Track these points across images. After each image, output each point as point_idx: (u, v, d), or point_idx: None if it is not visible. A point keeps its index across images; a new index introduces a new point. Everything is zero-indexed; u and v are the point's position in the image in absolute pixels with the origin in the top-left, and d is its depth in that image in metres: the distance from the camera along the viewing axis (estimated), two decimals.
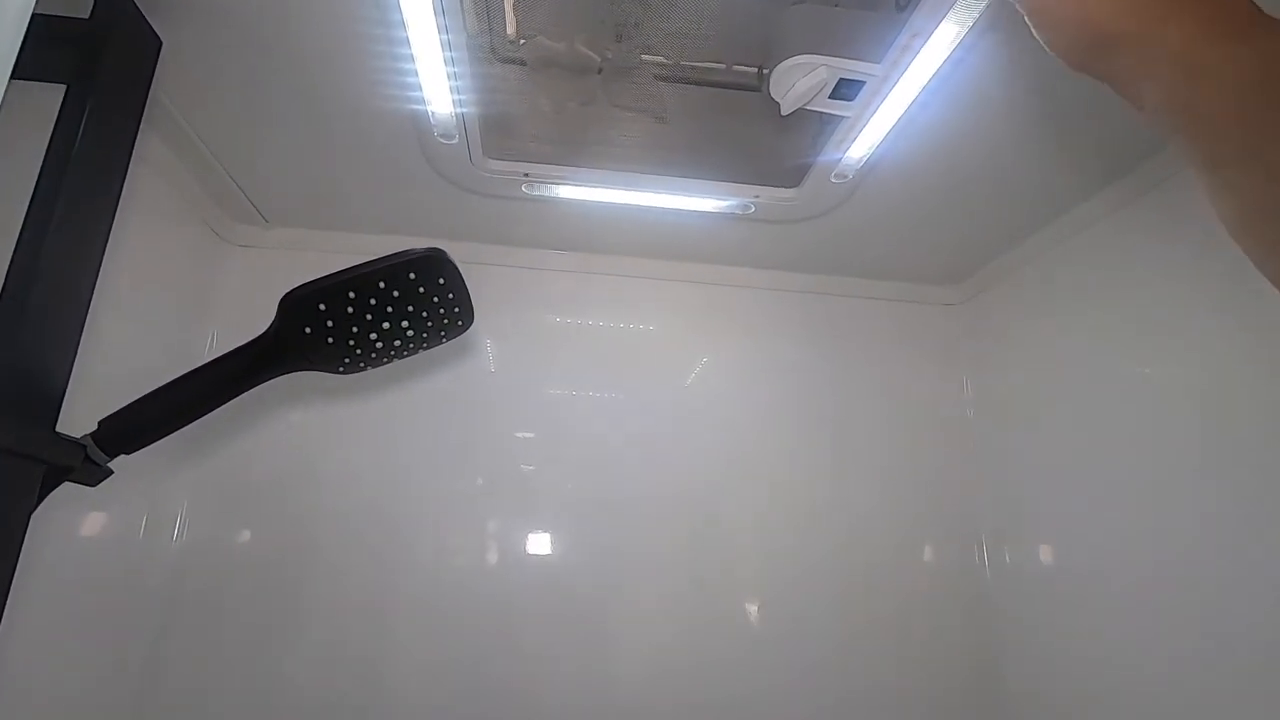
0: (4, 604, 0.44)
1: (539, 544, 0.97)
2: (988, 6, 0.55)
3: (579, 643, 0.93)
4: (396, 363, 0.65)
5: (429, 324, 0.61)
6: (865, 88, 0.66)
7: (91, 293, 0.53)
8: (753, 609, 0.98)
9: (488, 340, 1.04)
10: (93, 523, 0.78)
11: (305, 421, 0.97)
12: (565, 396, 1.04)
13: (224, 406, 0.59)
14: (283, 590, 0.91)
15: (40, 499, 0.49)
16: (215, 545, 0.92)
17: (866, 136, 0.73)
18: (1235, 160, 0.27)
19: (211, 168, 0.85)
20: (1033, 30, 0.33)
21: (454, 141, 0.75)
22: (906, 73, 0.63)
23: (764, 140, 0.83)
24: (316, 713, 0.87)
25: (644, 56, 0.73)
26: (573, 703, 0.91)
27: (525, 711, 0.90)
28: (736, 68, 0.79)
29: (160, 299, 0.87)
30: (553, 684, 0.91)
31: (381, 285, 0.55)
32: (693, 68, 0.77)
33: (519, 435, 1.01)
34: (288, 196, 0.93)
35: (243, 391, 0.58)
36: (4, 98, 0.38)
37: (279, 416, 0.97)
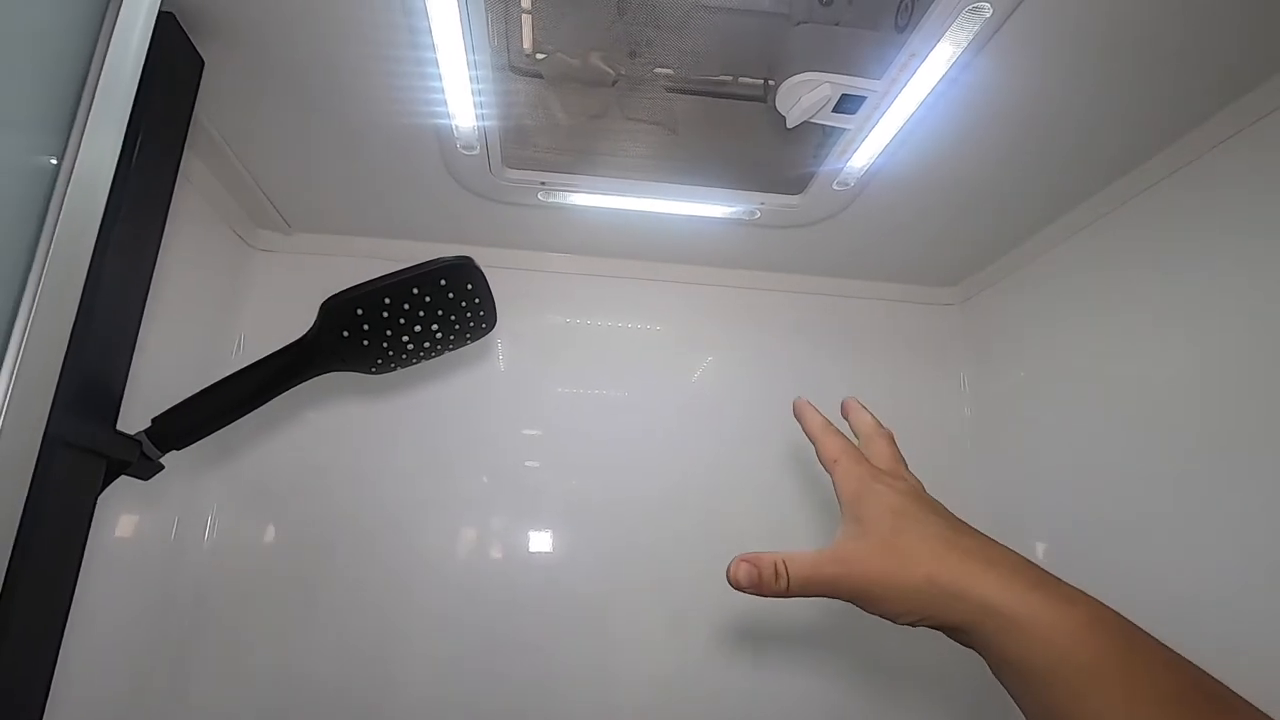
0: (75, 582, 0.48)
1: (543, 541, 1.00)
2: (980, 30, 0.59)
3: (583, 638, 0.96)
4: (420, 363, 0.68)
5: (456, 327, 0.65)
6: (866, 102, 0.69)
7: (145, 300, 0.57)
8: (757, 606, 1.01)
9: (499, 341, 1.08)
10: (126, 526, 0.82)
11: (323, 422, 1.00)
12: (573, 395, 1.07)
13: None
14: (304, 586, 0.94)
15: (100, 490, 0.53)
16: (242, 545, 0.95)
17: (867, 147, 0.76)
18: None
19: (239, 176, 0.88)
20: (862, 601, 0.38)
21: (475, 153, 0.79)
22: (905, 89, 0.67)
23: (769, 150, 0.86)
24: (335, 699, 0.91)
25: (657, 70, 0.77)
26: (576, 697, 0.94)
27: (529, 704, 0.93)
28: (743, 80, 0.83)
29: (190, 303, 0.90)
30: (556, 679, 0.94)
31: (415, 291, 0.59)
32: (702, 81, 0.81)
33: (526, 433, 1.05)
34: (312, 204, 0.97)
35: (283, 391, 0.62)
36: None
37: (299, 419, 1.00)
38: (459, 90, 0.69)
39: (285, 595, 0.94)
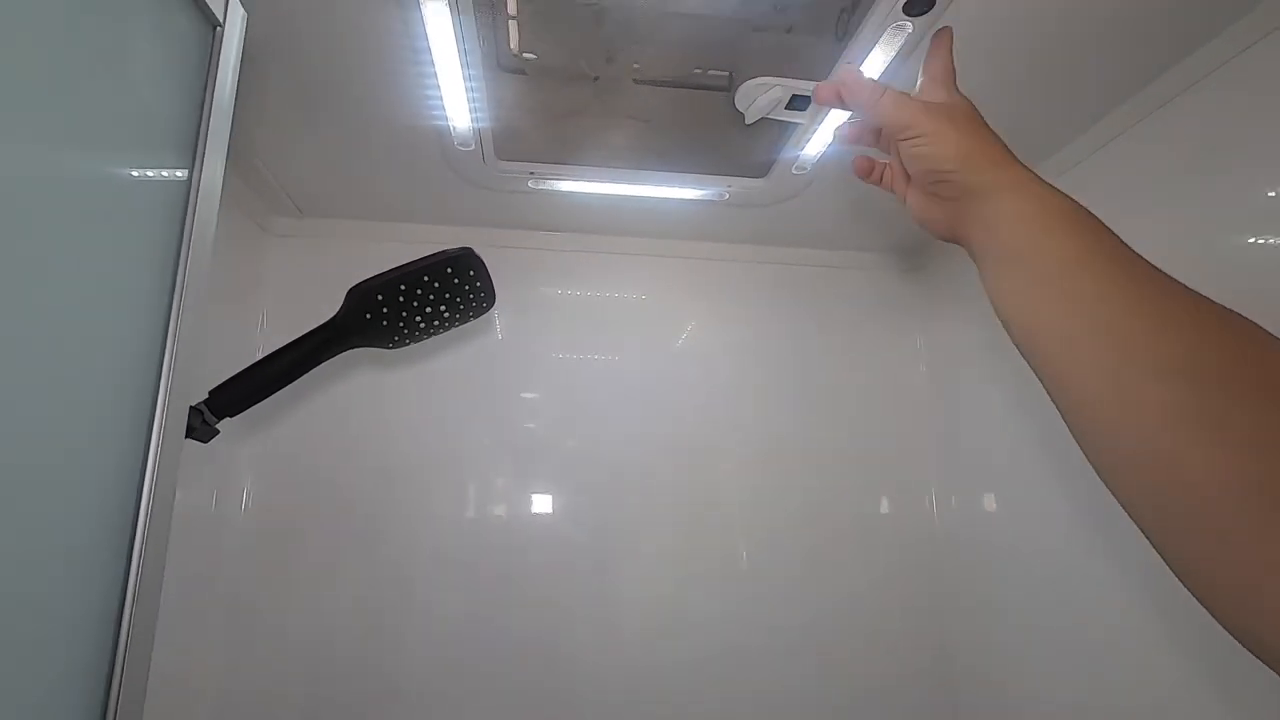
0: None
1: (543, 493, 1.12)
2: (904, 42, 0.68)
3: (582, 577, 1.08)
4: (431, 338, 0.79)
5: (461, 307, 0.75)
6: (813, 101, 0.79)
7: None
8: (737, 549, 1.13)
9: (497, 313, 1.18)
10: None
11: (343, 397, 1.11)
12: (566, 361, 1.18)
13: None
14: (333, 543, 1.06)
15: None
16: (275, 511, 1.06)
17: (818, 138, 0.86)
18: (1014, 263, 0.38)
19: (254, 167, 0.97)
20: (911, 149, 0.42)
21: (471, 149, 0.88)
22: None
23: (735, 139, 0.96)
24: (363, 635, 1.03)
25: (634, 65, 0.86)
26: (579, 629, 1.06)
27: (538, 633, 1.06)
28: (711, 72, 0.92)
29: (217, 284, 1.00)
30: (560, 612, 1.06)
31: (426, 278, 0.69)
32: (673, 75, 0.89)
33: (524, 396, 1.16)
34: (322, 193, 1.06)
35: (317, 364, 0.72)
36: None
37: (321, 395, 1.10)
38: (455, 96, 0.79)
39: (315, 554, 1.05)
